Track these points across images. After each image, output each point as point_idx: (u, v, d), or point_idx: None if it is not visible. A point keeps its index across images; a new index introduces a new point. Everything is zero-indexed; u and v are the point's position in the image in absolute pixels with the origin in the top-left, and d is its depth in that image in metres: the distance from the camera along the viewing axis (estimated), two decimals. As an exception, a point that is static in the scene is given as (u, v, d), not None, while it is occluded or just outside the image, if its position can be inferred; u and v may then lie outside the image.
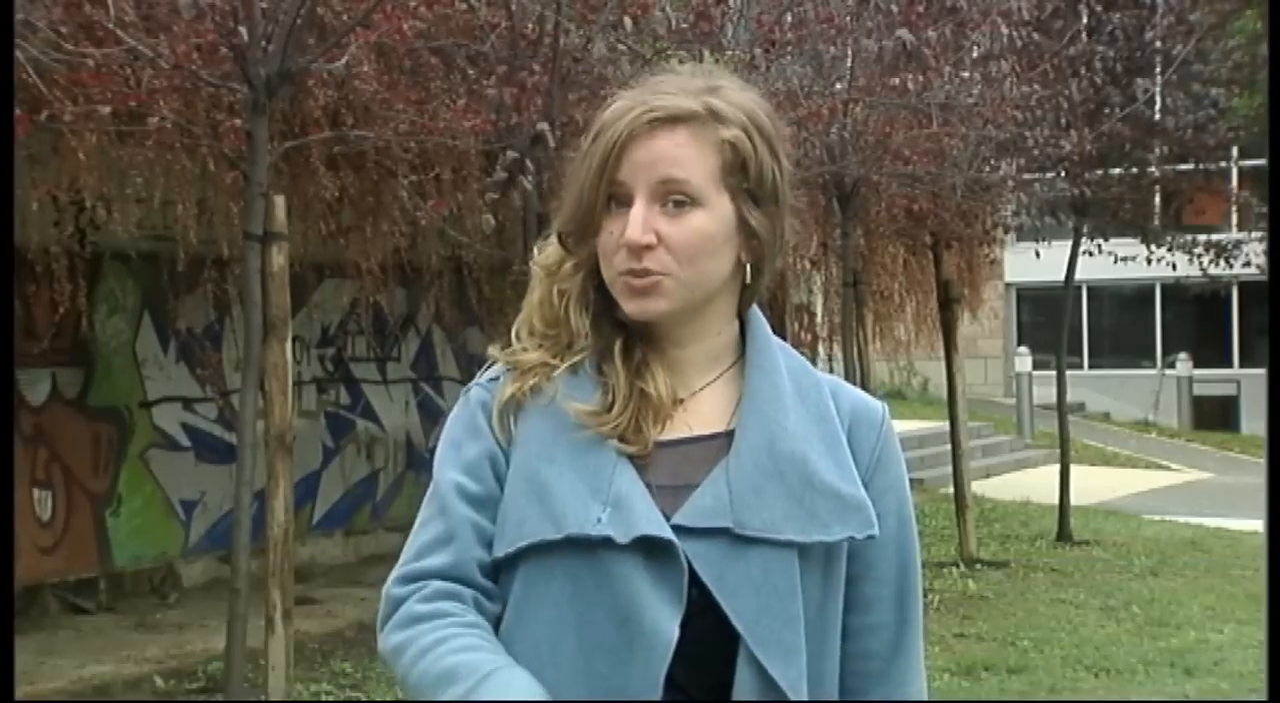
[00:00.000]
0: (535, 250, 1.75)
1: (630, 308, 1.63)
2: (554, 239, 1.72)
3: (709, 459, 1.63)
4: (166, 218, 6.70)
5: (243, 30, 5.20)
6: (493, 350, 1.73)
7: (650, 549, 1.56)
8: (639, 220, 1.60)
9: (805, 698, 1.58)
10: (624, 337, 1.67)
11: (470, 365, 10.80)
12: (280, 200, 5.48)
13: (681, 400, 1.66)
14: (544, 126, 5.86)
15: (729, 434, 1.65)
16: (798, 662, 1.58)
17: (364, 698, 6.58)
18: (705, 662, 1.57)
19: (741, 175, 1.65)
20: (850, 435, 1.69)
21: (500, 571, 1.63)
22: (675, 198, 1.61)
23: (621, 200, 1.63)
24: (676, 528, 1.58)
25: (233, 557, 5.39)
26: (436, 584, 1.62)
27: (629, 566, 1.56)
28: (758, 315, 1.73)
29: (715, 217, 1.63)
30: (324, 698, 6.57)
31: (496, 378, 1.69)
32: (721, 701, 1.57)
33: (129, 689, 6.79)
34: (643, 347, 1.67)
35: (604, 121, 1.65)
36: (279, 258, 5.41)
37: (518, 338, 1.71)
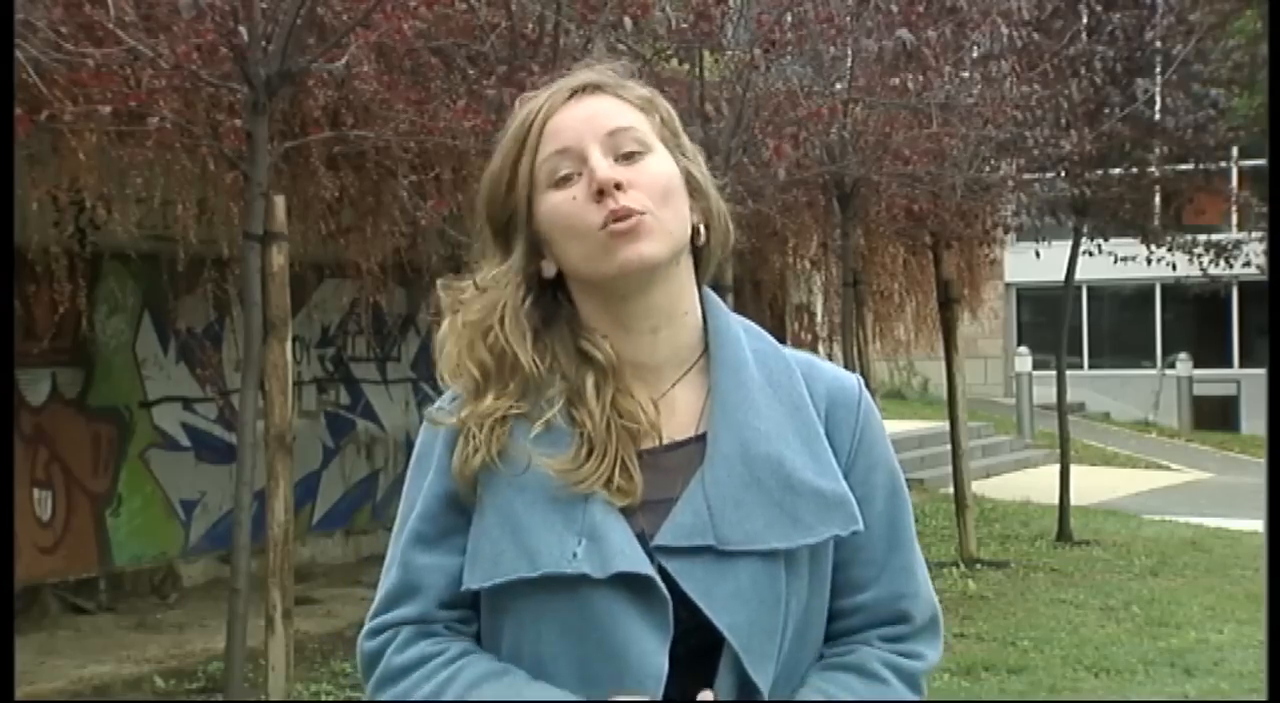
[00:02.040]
0: (439, 290, 1.66)
1: (623, 255, 1.54)
2: (485, 274, 1.63)
3: (684, 468, 1.58)
4: (166, 218, 6.71)
5: (243, 30, 5.20)
6: (444, 411, 1.65)
7: (632, 581, 1.52)
8: (605, 164, 1.55)
9: (771, 696, 1.56)
10: (594, 371, 1.59)
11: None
12: (280, 200, 5.49)
13: (656, 403, 1.61)
14: (544, 127, 5.84)
15: (701, 438, 1.60)
16: (770, 667, 1.56)
17: (364, 698, 6.57)
18: (693, 674, 1.54)
19: (667, 131, 1.63)
20: (828, 419, 1.64)
21: (482, 598, 1.61)
22: (627, 148, 1.57)
23: (567, 174, 1.56)
24: (659, 549, 1.54)
25: (233, 557, 5.39)
26: (407, 629, 1.61)
27: (611, 600, 1.52)
28: (715, 299, 1.68)
29: (666, 161, 1.60)
30: (324, 698, 6.57)
31: (455, 397, 1.64)
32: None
33: (129, 689, 6.79)
34: (614, 378, 1.59)
35: (526, 109, 1.61)
36: (279, 258, 5.41)
37: (474, 388, 1.60)
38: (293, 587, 5.60)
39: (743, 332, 1.67)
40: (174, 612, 8.45)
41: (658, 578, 1.52)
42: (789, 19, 7.60)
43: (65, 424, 8.41)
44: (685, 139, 1.66)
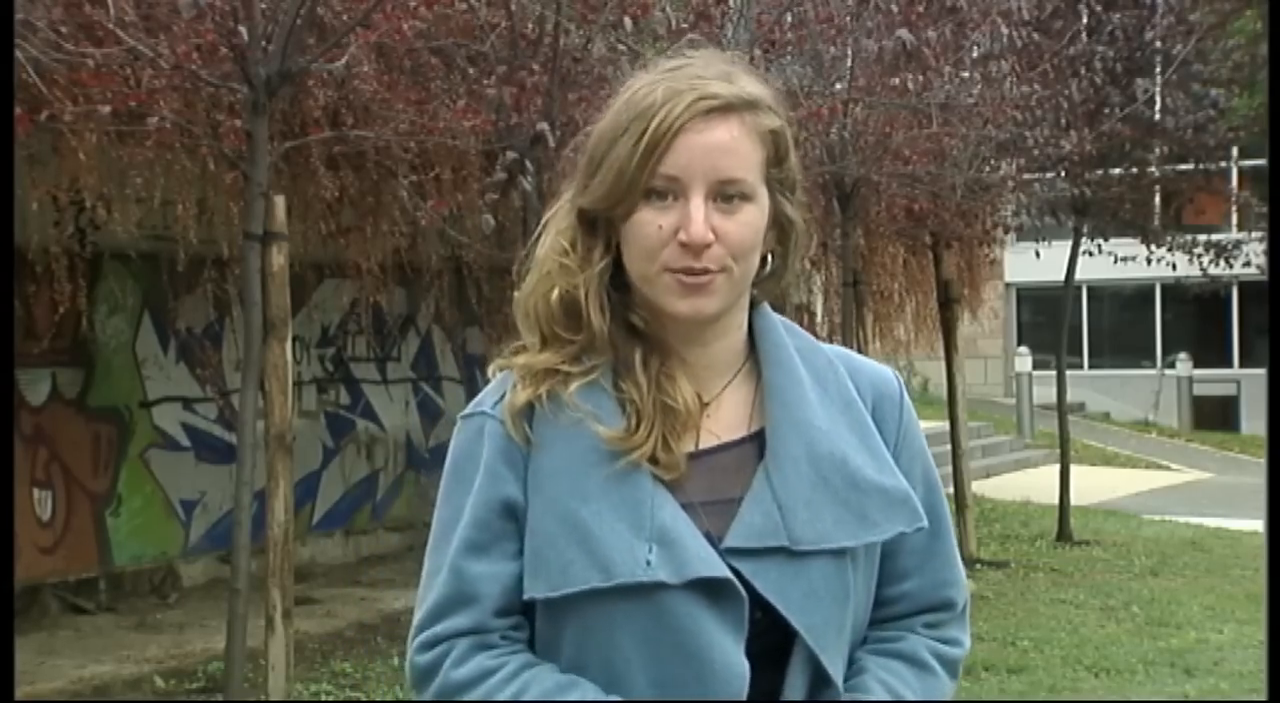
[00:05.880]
0: (545, 227, 1.66)
1: (682, 307, 1.56)
2: (560, 229, 1.63)
3: (742, 468, 1.60)
4: (166, 218, 6.71)
5: (243, 30, 5.20)
6: (498, 362, 1.65)
7: (708, 584, 1.52)
8: (701, 218, 1.54)
9: (843, 685, 1.59)
10: (642, 347, 1.60)
11: (470, 366, 10.82)
12: (280, 200, 5.49)
13: (705, 405, 1.62)
14: (544, 126, 5.86)
15: (754, 437, 1.61)
16: (842, 663, 1.59)
17: (364, 698, 6.58)
18: (765, 672, 1.55)
19: (779, 168, 1.62)
20: (874, 413, 1.66)
21: (540, 605, 1.58)
22: (730, 193, 1.56)
23: (665, 192, 1.55)
24: (730, 551, 1.54)
25: (233, 557, 5.39)
26: (463, 643, 1.57)
27: (688, 603, 1.52)
28: (765, 307, 1.69)
29: (761, 210, 1.60)
30: (324, 698, 6.56)
31: (502, 398, 1.62)
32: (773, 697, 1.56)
33: (129, 689, 6.79)
34: (660, 355, 1.61)
35: (650, 102, 1.56)
36: (279, 258, 5.41)
37: (531, 336, 1.62)
38: (293, 587, 5.60)
39: (783, 330, 1.68)
40: (174, 612, 8.44)
41: (737, 582, 1.53)
42: (789, 19, 7.60)
43: (65, 424, 8.41)
44: (791, 167, 1.65)
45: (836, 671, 1.57)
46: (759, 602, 1.54)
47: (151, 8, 5.44)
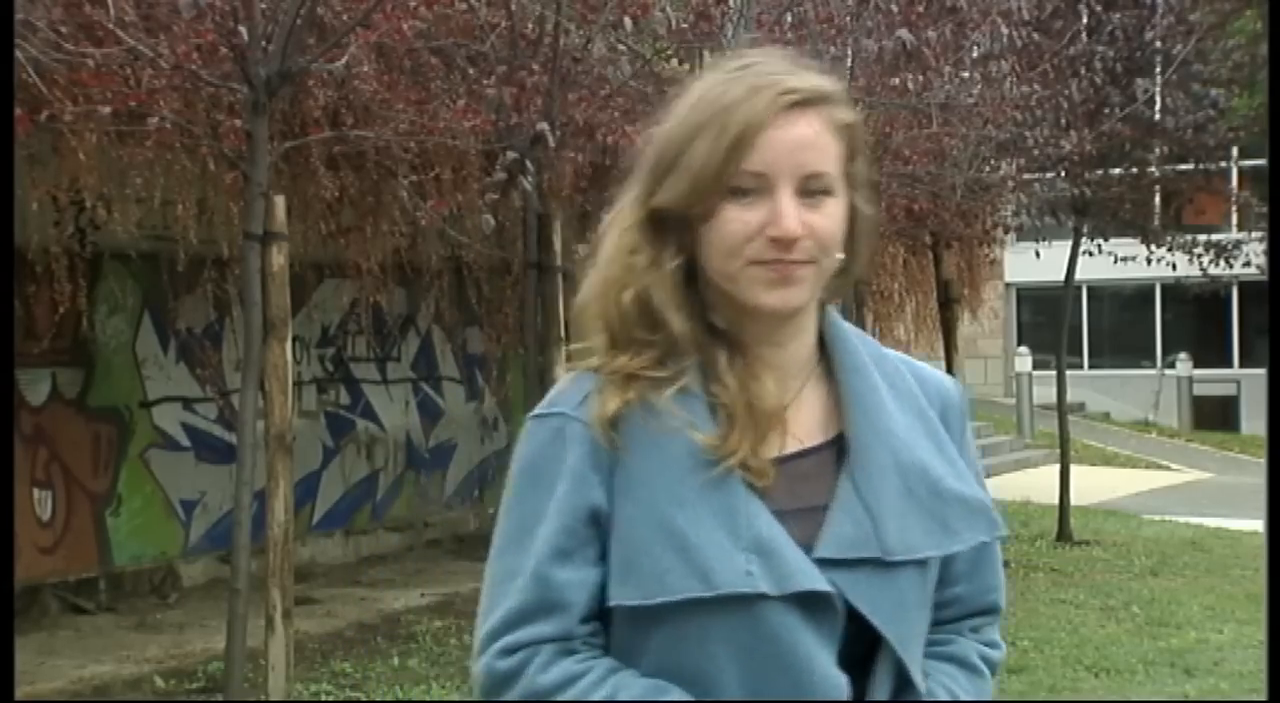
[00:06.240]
0: (606, 229, 1.61)
1: (770, 299, 1.54)
2: (624, 228, 1.59)
3: (823, 475, 1.58)
4: (166, 218, 6.72)
5: (243, 30, 5.20)
6: (568, 366, 1.62)
7: (805, 597, 1.51)
8: (793, 212, 1.52)
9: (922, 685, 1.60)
10: (726, 347, 1.57)
11: (470, 365, 10.81)
12: (280, 200, 5.48)
13: (785, 409, 1.59)
14: (544, 126, 5.86)
15: (832, 443, 1.60)
16: (920, 666, 1.60)
17: (364, 698, 6.58)
18: (851, 679, 1.55)
19: (852, 162, 1.60)
20: (940, 421, 1.66)
21: (621, 611, 1.55)
22: (815, 188, 1.54)
23: (749, 189, 1.52)
24: (821, 561, 1.53)
25: (233, 557, 5.39)
26: (547, 649, 1.54)
27: (785, 614, 1.51)
28: (832, 311, 1.67)
29: (842, 204, 1.58)
30: (324, 698, 6.56)
31: (584, 400, 1.57)
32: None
33: (129, 689, 6.79)
34: (742, 355, 1.58)
35: (730, 99, 1.53)
36: (279, 258, 5.41)
37: (599, 338, 1.58)
38: (293, 587, 5.60)
39: (853, 335, 1.67)
40: (174, 612, 8.45)
41: (836, 595, 1.52)
42: (789, 19, 7.60)
43: (65, 424, 8.41)
44: (861, 161, 1.62)
45: (919, 675, 1.58)
46: (848, 611, 1.53)
47: (151, 8, 5.44)
